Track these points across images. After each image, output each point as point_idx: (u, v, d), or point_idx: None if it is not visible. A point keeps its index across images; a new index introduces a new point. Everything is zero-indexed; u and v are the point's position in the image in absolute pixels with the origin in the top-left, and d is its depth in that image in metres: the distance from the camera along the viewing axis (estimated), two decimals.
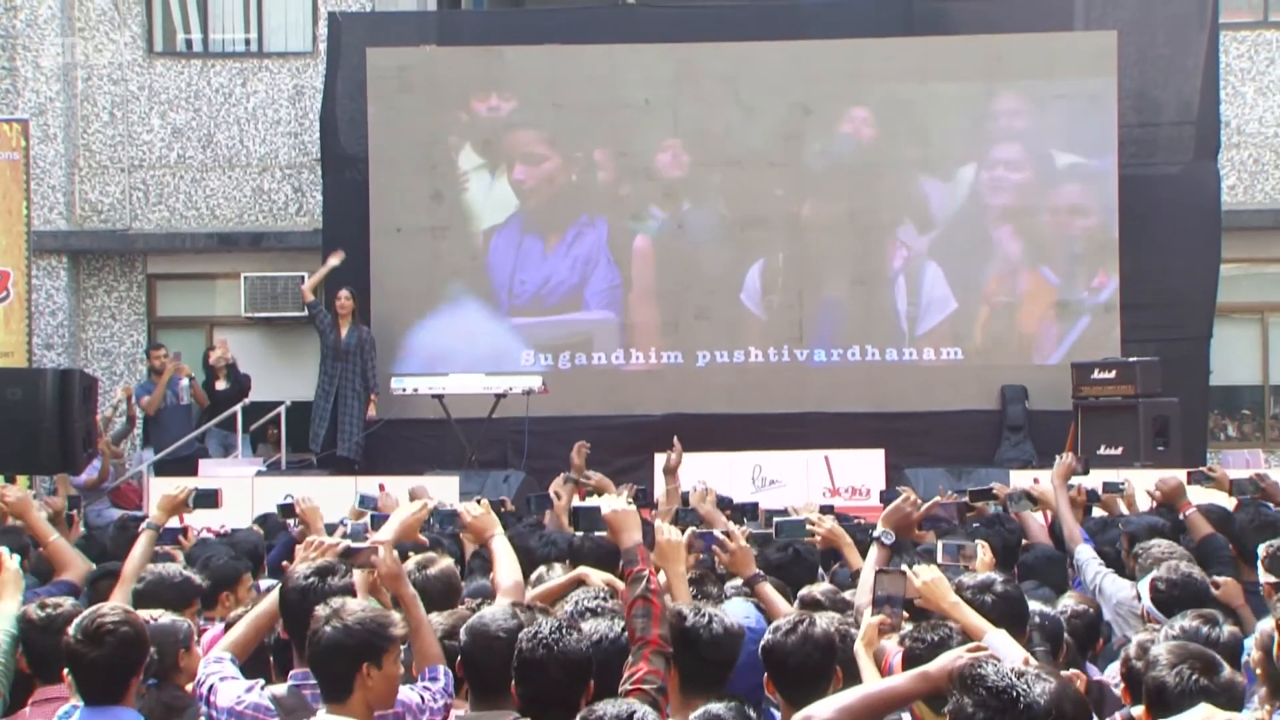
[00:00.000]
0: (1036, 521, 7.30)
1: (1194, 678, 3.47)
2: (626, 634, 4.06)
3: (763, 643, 4.09)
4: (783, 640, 3.97)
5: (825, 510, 7.35)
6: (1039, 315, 14.33)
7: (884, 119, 14.54)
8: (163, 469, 13.43)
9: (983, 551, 4.91)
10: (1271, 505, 7.25)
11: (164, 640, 4.65)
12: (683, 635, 4.05)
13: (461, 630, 4.11)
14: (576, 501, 5.29)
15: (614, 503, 4.45)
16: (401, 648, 4.03)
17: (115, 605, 4.43)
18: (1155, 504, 7.93)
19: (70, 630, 4.23)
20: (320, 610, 3.94)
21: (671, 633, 4.02)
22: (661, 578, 4.31)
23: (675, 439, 8.40)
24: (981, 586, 4.62)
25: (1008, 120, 14.46)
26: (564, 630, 3.80)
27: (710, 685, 4.05)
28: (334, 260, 14.03)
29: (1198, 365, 14.20)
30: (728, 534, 5.25)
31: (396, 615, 4.07)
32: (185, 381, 14.17)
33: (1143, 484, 8.79)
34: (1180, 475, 7.56)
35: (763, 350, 14.45)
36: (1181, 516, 6.99)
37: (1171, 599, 5.30)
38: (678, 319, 14.56)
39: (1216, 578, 5.78)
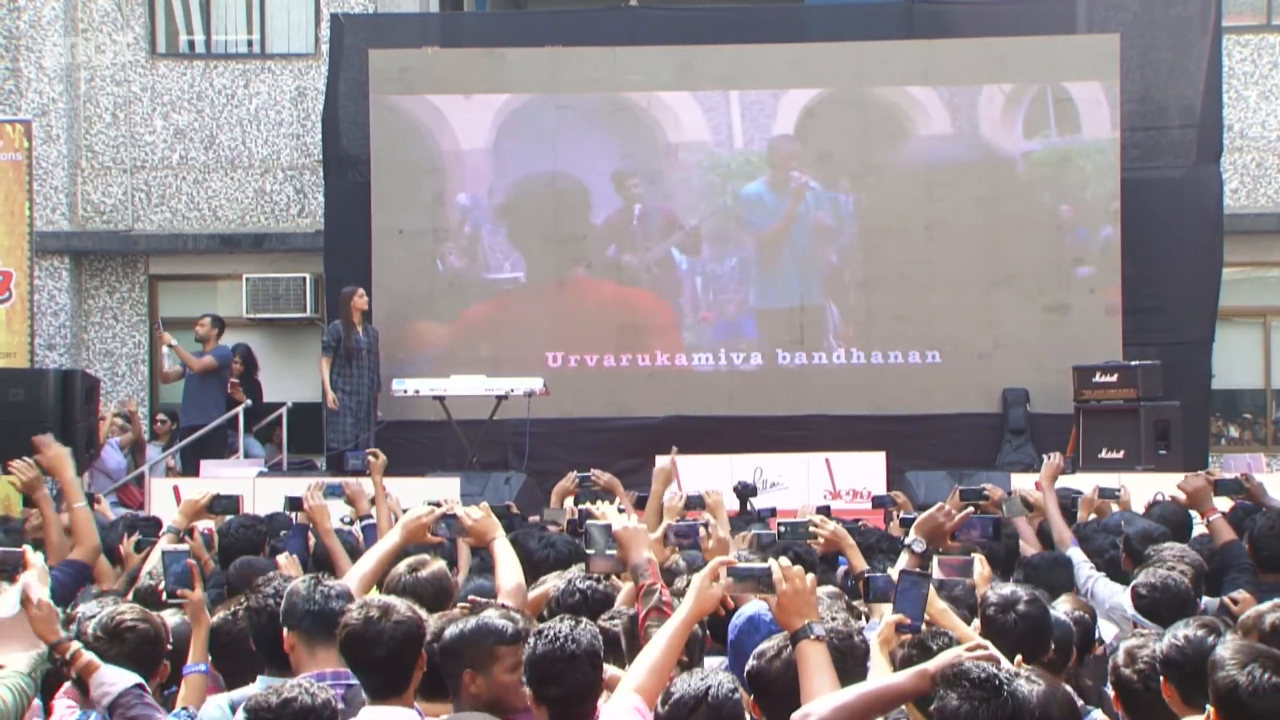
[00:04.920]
0: (1028, 530, 7.29)
1: (1267, 676, 3.43)
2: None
3: (747, 668, 4.05)
4: (767, 666, 3.93)
5: (822, 512, 7.33)
6: (1040, 318, 14.30)
7: (886, 122, 14.53)
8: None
9: (980, 564, 4.85)
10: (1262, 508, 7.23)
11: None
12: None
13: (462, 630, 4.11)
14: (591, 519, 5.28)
15: (623, 520, 4.48)
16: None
17: (133, 605, 4.63)
18: (1147, 506, 7.91)
19: (90, 628, 4.37)
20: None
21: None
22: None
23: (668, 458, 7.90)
24: (1005, 605, 4.55)
25: (1008, 123, 14.43)
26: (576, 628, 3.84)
27: None
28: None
29: (1199, 369, 14.17)
30: (706, 526, 5.25)
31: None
32: (166, 349, 13.99)
33: (1148, 488, 8.77)
34: (1201, 478, 7.20)
35: (763, 352, 14.44)
36: (1205, 521, 6.89)
37: (1155, 603, 5.30)
38: (679, 321, 14.55)
39: (1234, 594, 5.75)
